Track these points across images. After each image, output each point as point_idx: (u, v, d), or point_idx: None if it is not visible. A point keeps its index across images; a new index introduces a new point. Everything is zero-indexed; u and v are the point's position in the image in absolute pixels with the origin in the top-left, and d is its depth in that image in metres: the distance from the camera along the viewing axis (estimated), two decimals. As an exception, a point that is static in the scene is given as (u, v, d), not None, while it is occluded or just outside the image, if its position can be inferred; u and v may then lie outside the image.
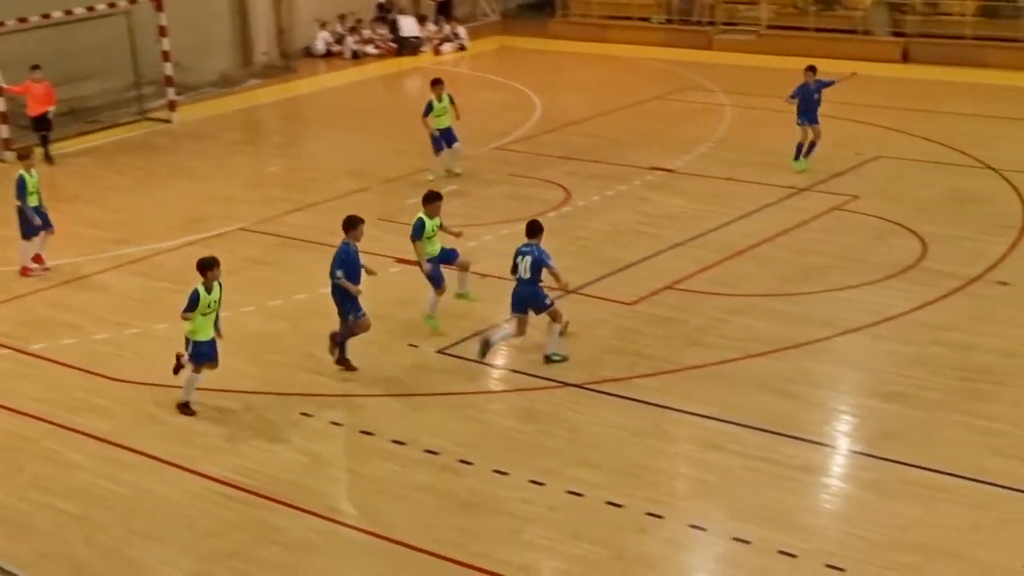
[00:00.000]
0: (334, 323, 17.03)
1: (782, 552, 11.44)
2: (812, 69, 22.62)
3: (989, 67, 30.99)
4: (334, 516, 12.48)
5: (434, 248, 16.82)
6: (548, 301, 15.57)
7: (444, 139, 23.38)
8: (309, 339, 16.62)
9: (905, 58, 32.66)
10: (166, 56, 29.42)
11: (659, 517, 12.13)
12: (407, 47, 36.79)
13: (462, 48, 37.22)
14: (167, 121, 29.35)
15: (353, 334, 15.63)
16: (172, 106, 29.52)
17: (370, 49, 36.64)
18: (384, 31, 37.46)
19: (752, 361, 15.39)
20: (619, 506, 12.32)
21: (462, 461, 13.33)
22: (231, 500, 12.84)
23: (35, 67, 25.87)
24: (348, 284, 15.40)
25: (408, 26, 37.39)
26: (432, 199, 16.78)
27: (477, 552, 11.68)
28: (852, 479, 13.00)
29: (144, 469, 13.47)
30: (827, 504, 12.50)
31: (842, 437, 13.74)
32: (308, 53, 36.77)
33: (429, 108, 23.25)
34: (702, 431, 13.81)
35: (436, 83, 23.54)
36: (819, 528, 11.91)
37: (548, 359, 15.56)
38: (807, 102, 22.71)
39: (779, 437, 13.51)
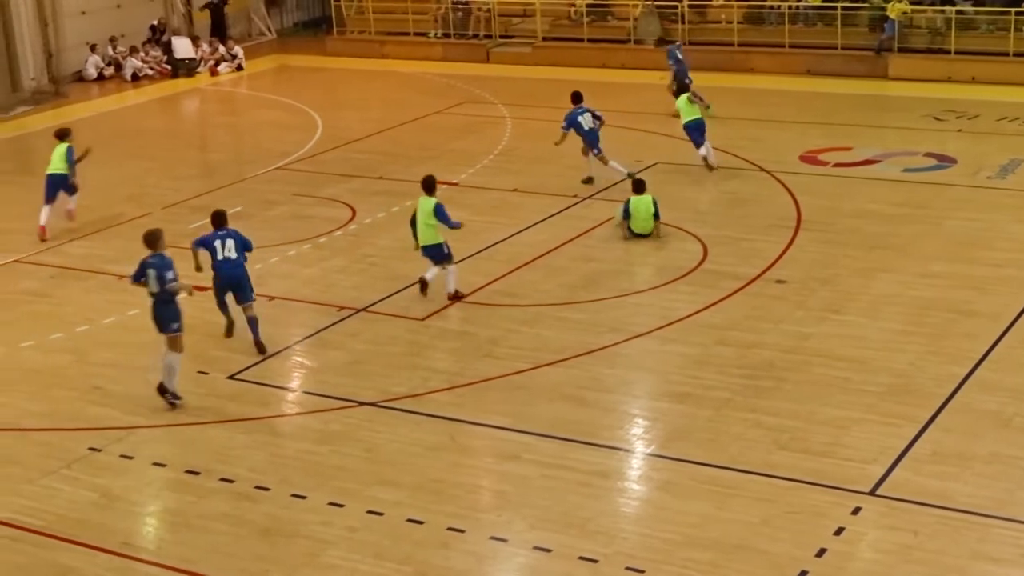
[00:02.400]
0: (120, 353, 16.66)
1: (583, 558, 11.59)
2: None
3: (756, 72, 32.07)
4: (129, 552, 12.15)
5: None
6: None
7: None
8: (94, 371, 16.19)
9: (676, 66, 33.45)
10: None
11: (460, 531, 12.15)
12: (182, 69, 36.14)
13: (239, 68, 36.73)
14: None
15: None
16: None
17: (146, 71, 35.88)
18: (157, 53, 36.72)
19: (544, 370, 15.56)
20: (420, 523, 12.31)
21: (258, 487, 13.15)
22: (18, 543, 12.39)
23: None
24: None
25: (182, 48, 36.70)
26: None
27: (278, 579, 11.54)
28: (647, 481, 13.26)
29: (-77, 517, 12.92)
30: (624, 508, 12.70)
31: (635, 440, 14.00)
32: (79, 78, 35.81)
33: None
34: (498, 442, 13.91)
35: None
36: (617, 531, 12.10)
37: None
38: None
39: (574, 444, 13.69)
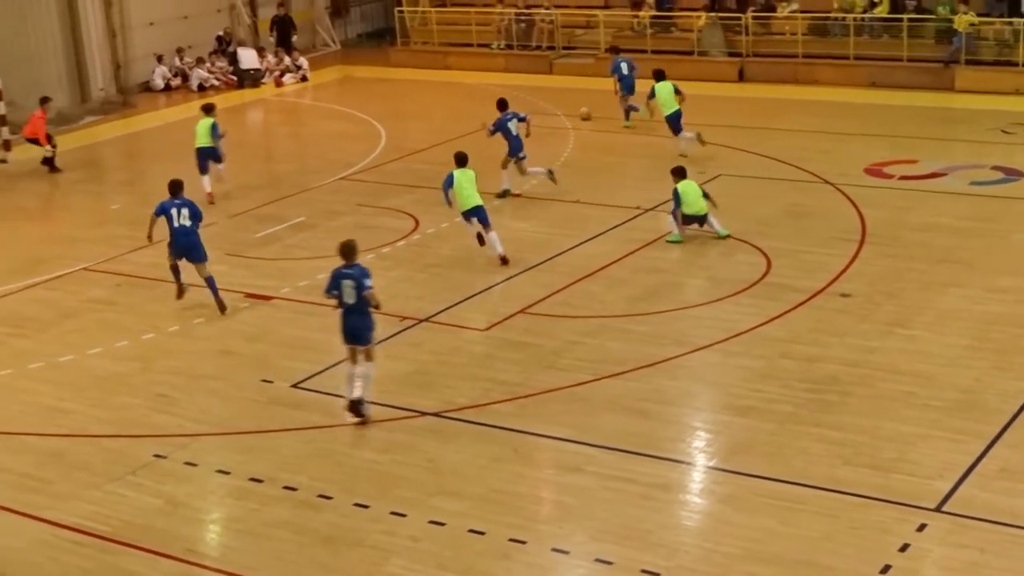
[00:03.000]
0: (184, 361, 16.82)
1: (644, 571, 11.54)
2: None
3: (820, 84, 31.86)
4: (192, 559, 12.25)
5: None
6: None
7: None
8: (159, 379, 16.35)
9: (740, 77, 33.38)
10: (-1, 95, 28.74)
11: (522, 543, 12.15)
12: (248, 79, 36.46)
13: (304, 79, 37.01)
14: (2, 161, 28.63)
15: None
16: (7, 145, 28.80)
17: (212, 81, 36.24)
18: (223, 64, 37.08)
19: (606, 382, 15.53)
20: (481, 533, 12.32)
21: (321, 496, 13.21)
22: (84, 547, 12.53)
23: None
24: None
25: (248, 58, 37.05)
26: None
27: (340, 587, 11.60)
28: (709, 494, 13.18)
29: (-9, 520, 13.09)
30: (686, 521, 12.65)
31: (697, 453, 13.94)
32: (147, 88, 36.22)
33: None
34: (560, 454, 13.89)
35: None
36: (679, 545, 12.05)
37: None
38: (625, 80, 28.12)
39: (636, 456, 13.65)
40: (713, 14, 34.36)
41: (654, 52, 34.57)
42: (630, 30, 35.73)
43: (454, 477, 13.48)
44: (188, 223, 18.31)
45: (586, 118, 29.38)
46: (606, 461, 13.60)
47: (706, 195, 20.51)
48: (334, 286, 14.81)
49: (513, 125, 23.39)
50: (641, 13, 35.43)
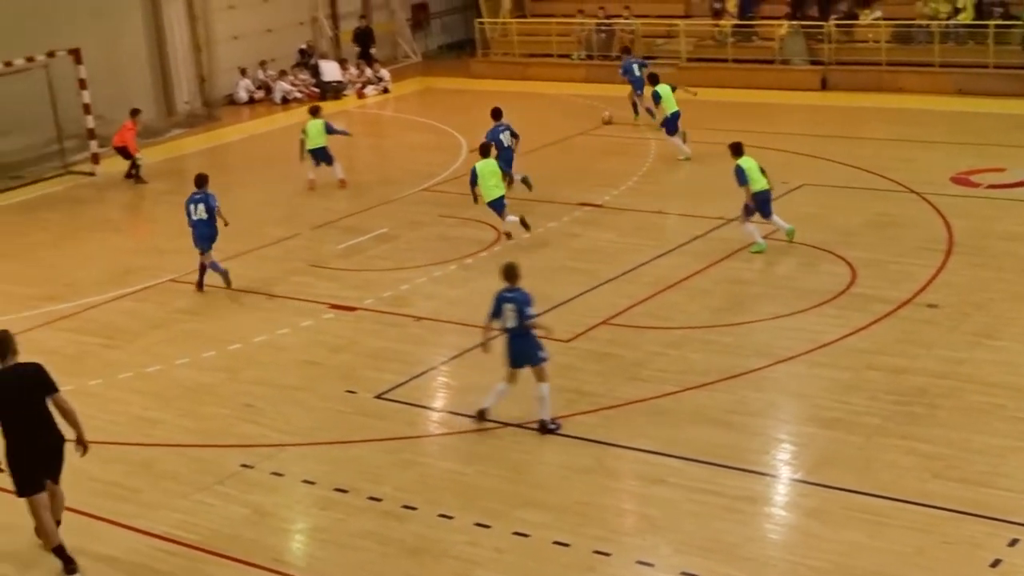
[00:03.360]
0: (270, 371, 16.98)
1: (730, 584, 11.49)
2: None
3: (904, 92, 31.51)
4: (279, 568, 12.34)
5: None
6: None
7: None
8: (245, 389, 16.51)
9: (823, 86, 33.10)
10: (87, 109, 29.21)
11: (606, 555, 12.11)
12: (330, 91, 36.77)
13: (385, 91, 37.27)
14: (91, 174, 29.11)
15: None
16: (95, 159, 29.29)
17: (295, 94, 36.60)
18: (306, 76, 37.43)
19: (691, 393, 15.46)
20: (566, 545, 12.29)
21: (406, 506, 13.26)
22: (173, 556, 12.67)
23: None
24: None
25: (330, 71, 37.40)
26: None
27: (426, 598, 11.63)
28: (795, 507, 13.06)
29: (80, 527, 13.23)
30: (772, 534, 12.54)
31: (783, 466, 13.82)
32: (231, 101, 36.66)
33: None
34: (645, 466, 13.83)
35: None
36: (766, 559, 11.95)
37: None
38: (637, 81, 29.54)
39: (721, 468, 13.56)
40: (795, 22, 34.14)
41: (735, 61, 34.47)
42: (711, 39, 35.60)
43: (538, 488, 13.47)
44: (204, 216, 20.13)
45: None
46: (691, 473, 13.53)
47: (763, 170, 20.44)
48: (497, 311, 14.66)
49: (506, 137, 23.85)
50: (722, 22, 35.29)
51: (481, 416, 14.91)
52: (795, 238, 20.45)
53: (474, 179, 21.71)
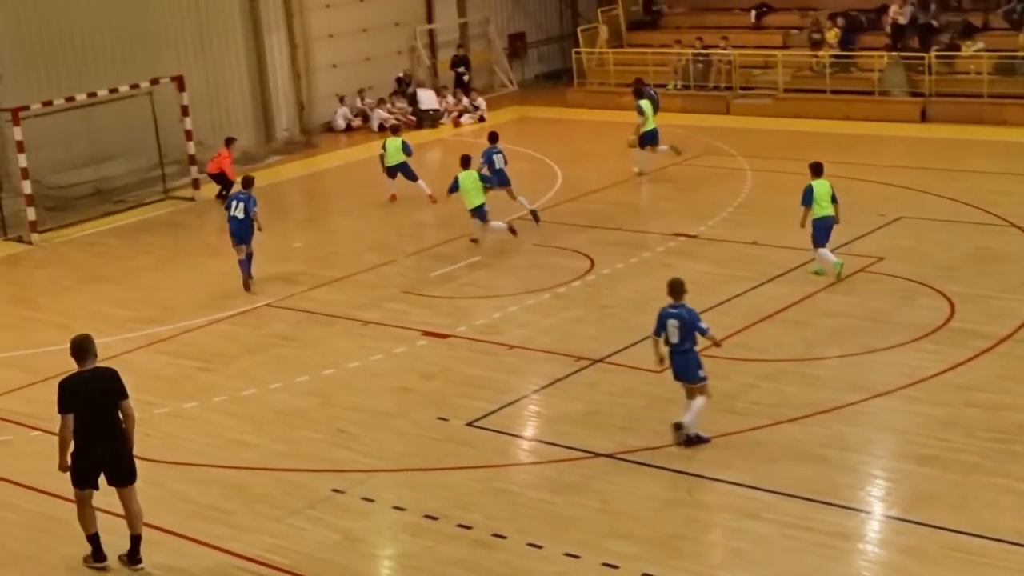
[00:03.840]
0: (363, 397, 17.08)
1: (822, 621, 11.32)
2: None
3: (1007, 124, 31.02)
4: (369, 594, 12.41)
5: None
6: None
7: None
8: (338, 414, 16.63)
9: (923, 118, 32.71)
10: (188, 135, 29.71)
11: (696, 588, 12.02)
12: (427, 120, 37.05)
13: (481, 119, 37.46)
14: (191, 199, 29.58)
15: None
16: (196, 184, 29.77)
17: (392, 122, 36.85)
18: (403, 104, 37.75)
19: (784, 427, 15.30)
20: (655, 578, 12.23)
21: (495, 535, 13.25)
22: (265, 580, 12.79)
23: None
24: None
25: (427, 99, 37.68)
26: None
27: (514, 628, 11.60)
28: (890, 545, 12.85)
29: (175, 548, 13.42)
30: (865, 571, 12.34)
31: (877, 502, 13.61)
32: (328, 128, 37.07)
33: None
34: (736, 499, 13.70)
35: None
36: (859, 596, 11.79)
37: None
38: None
39: (814, 504, 13.39)
40: (895, 53, 33.79)
41: (833, 92, 34.18)
42: (809, 70, 35.35)
43: (627, 519, 13.40)
44: (241, 216, 21.94)
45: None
46: (783, 508, 13.38)
47: (834, 199, 20.26)
48: (661, 327, 14.79)
49: (499, 158, 24.79)
50: (821, 53, 35.03)
51: (693, 441, 14.82)
52: (844, 272, 20.33)
53: (455, 187, 23.67)
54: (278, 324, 20.43)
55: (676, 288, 14.93)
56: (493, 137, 25.99)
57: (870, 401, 15.87)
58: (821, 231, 20.32)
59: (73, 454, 12.78)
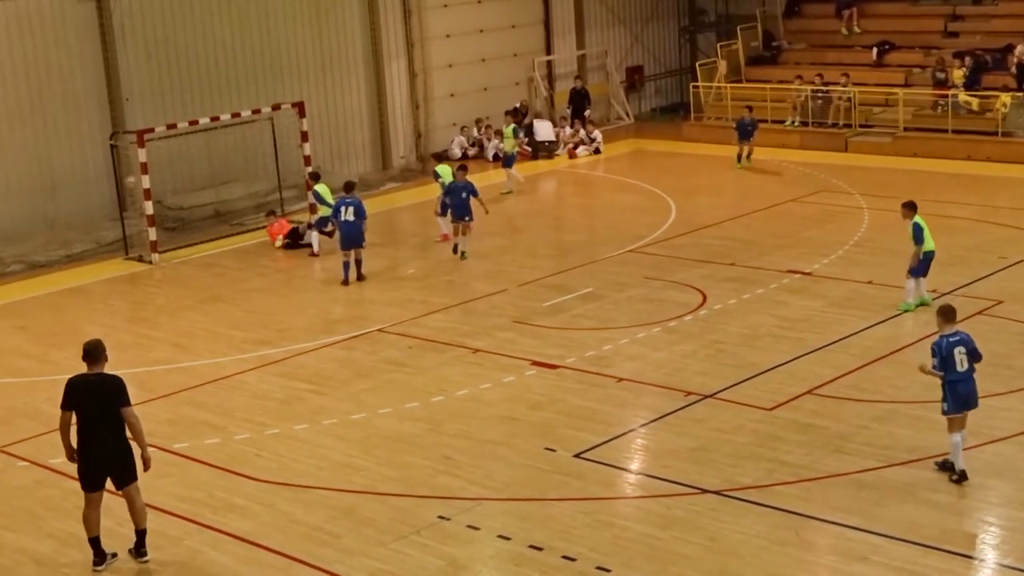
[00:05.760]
0: (471, 425, 17.14)
1: (931, 670, 11.09)
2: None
3: None
4: (471, 622, 12.42)
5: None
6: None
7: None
8: (446, 441, 16.70)
9: (1046, 159, 32.09)
10: (307, 160, 30.12)
11: (802, 630, 11.85)
12: (542, 150, 37.18)
13: (597, 151, 37.49)
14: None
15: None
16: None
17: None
18: (520, 135, 37.91)
19: (896, 469, 15.05)
20: (760, 617, 12.08)
21: (600, 568, 13.19)
22: (368, 603, 12.86)
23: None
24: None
25: (544, 130, 37.83)
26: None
27: (615, 662, 11.52)
28: (1003, 594, 12.59)
29: (282, 569, 13.56)
30: (977, 620, 12.11)
31: (991, 550, 13.31)
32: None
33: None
34: (846, 541, 13.49)
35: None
36: (969, 645, 11.53)
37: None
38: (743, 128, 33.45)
39: (926, 549, 13.14)
40: (1019, 93, 33.20)
41: (954, 131, 33.67)
42: (931, 109, 34.87)
43: (734, 558, 13.27)
44: (352, 218, 23.75)
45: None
46: (893, 552, 13.14)
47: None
48: (948, 358, 14.53)
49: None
50: (950, 91, 34.45)
51: (948, 469, 14.68)
52: (930, 304, 20.33)
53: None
54: (389, 349, 20.59)
55: (950, 314, 14.70)
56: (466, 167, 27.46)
57: (985, 446, 15.54)
58: (927, 264, 20.65)
59: (78, 456, 13.49)
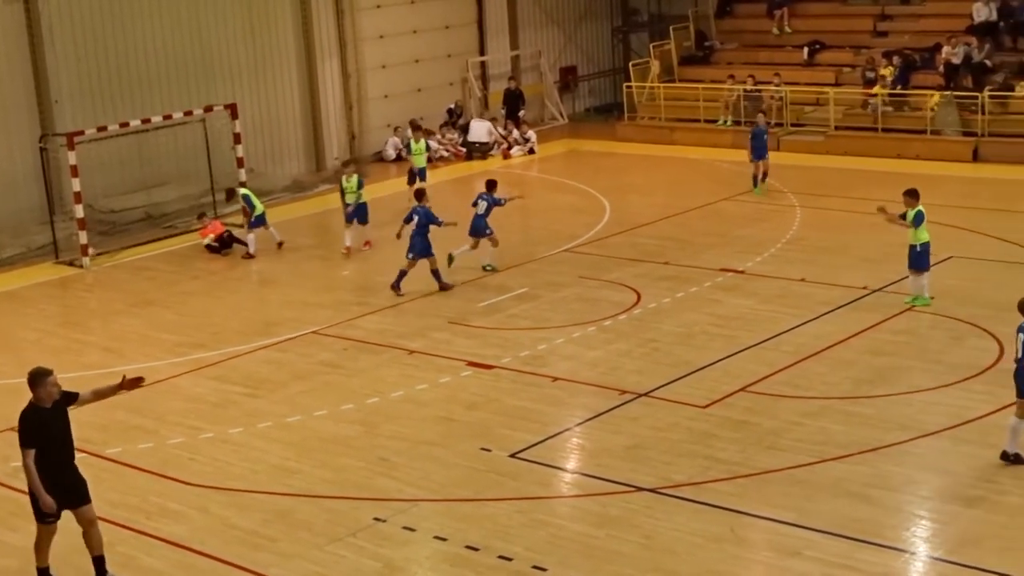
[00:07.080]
0: (407, 426, 17.11)
1: (864, 662, 11.21)
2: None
3: (1061, 165, 30.80)
4: (408, 623, 12.40)
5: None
6: None
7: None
8: (381, 443, 16.65)
9: (975, 157, 32.50)
10: (240, 162, 29.94)
11: (737, 625, 11.93)
12: (477, 151, 37.19)
13: (531, 152, 37.54)
14: (241, 227, 29.72)
15: None
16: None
17: (442, 153, 37.04)
18: (454, 136, 37.92)
19: (828, 465, 15.19)
20: (696, 614, 12.15)
21: (536, 567, 13.21)
22: (304, 606, 12.81)
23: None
24: None
25: (478, 131, 37.83)
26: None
27: (552, 661, 11.55)
28: (934, 587, 12.75)
29: (217, 574, 13.47)
30: (909, 612, 12.25)
31: (922, 543, 13.47)
32: (379, 158, 37.27)
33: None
34: (780, 537, 13.60)
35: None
36: (901, 637, 11.67)
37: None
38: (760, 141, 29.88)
39: (858, 543, 13.27)
40: (948, 92, 33.62)
41: (885, 130, 34.04)
42: (860, 108, 35.23)
43: (670, 555, 13.33)
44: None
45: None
46: (826, 547, 13.27)
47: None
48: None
49: (481, 206, 24.62)
50: (877, 89, 34.81)
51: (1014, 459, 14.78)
52: (930, 307, 20.46)
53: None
54: (324, 352, 20.51)
55: None
56: (491, 185, 25.36)
57: (916, 441, 15.74)
58: (929, 255, 20.91)
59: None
